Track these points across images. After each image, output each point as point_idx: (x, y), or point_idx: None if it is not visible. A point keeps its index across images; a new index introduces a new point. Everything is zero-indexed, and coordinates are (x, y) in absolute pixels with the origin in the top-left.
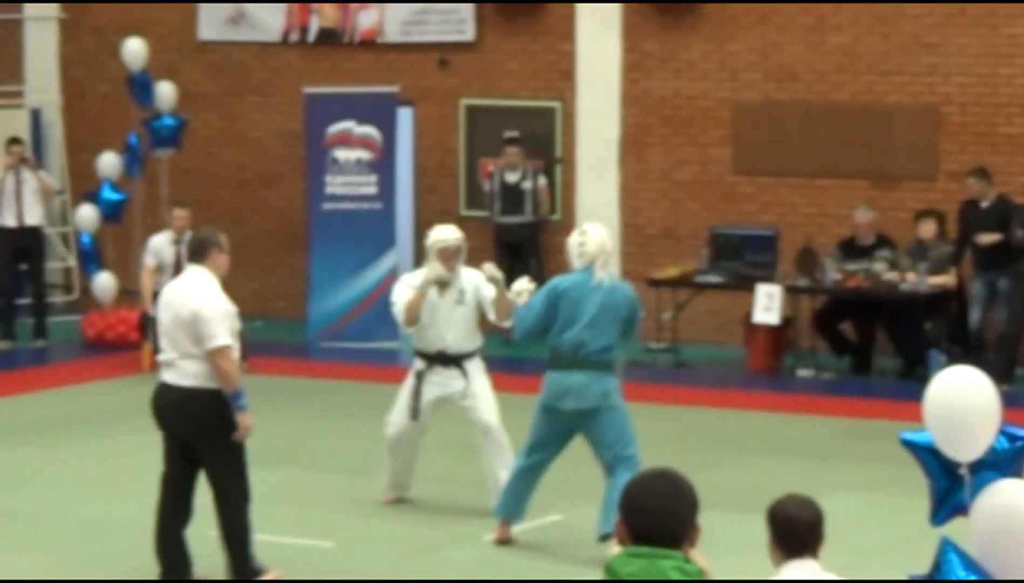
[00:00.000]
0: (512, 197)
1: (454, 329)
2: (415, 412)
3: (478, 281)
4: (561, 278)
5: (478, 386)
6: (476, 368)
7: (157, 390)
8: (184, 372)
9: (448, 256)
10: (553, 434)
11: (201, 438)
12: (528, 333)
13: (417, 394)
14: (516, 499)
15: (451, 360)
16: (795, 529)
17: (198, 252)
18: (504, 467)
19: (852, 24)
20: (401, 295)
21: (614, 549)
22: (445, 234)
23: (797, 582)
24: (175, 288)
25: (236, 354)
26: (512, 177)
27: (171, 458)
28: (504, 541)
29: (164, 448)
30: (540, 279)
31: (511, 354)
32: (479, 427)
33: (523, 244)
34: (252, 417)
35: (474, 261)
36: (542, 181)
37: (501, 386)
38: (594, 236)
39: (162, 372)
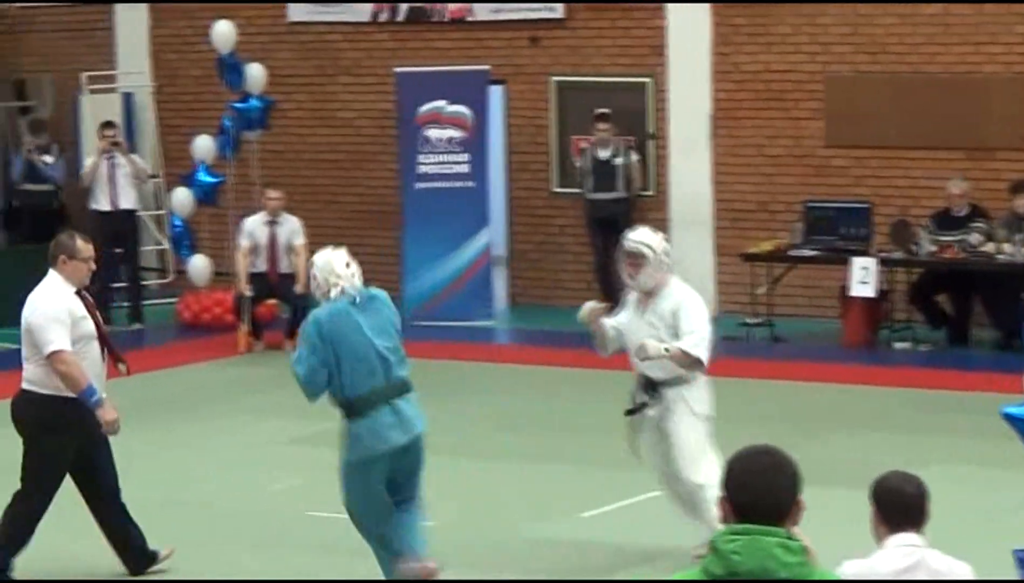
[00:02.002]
0: (604, 173)
1: None
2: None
3: None
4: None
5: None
6: None
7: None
8: (25, 375)
9: None
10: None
11: (23, 436)
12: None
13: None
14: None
15: None
16: (900, 502)
17: (49, 257)
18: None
19: None
20: None
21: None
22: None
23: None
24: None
25: (76, 357)
26: (604, 153)
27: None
28: None
29: None
30: None
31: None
32: None
33: (616, 220)
34: (112, 412)
35: (569, 237)
36: (634, 157)
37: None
38: (318, 266)
39: None
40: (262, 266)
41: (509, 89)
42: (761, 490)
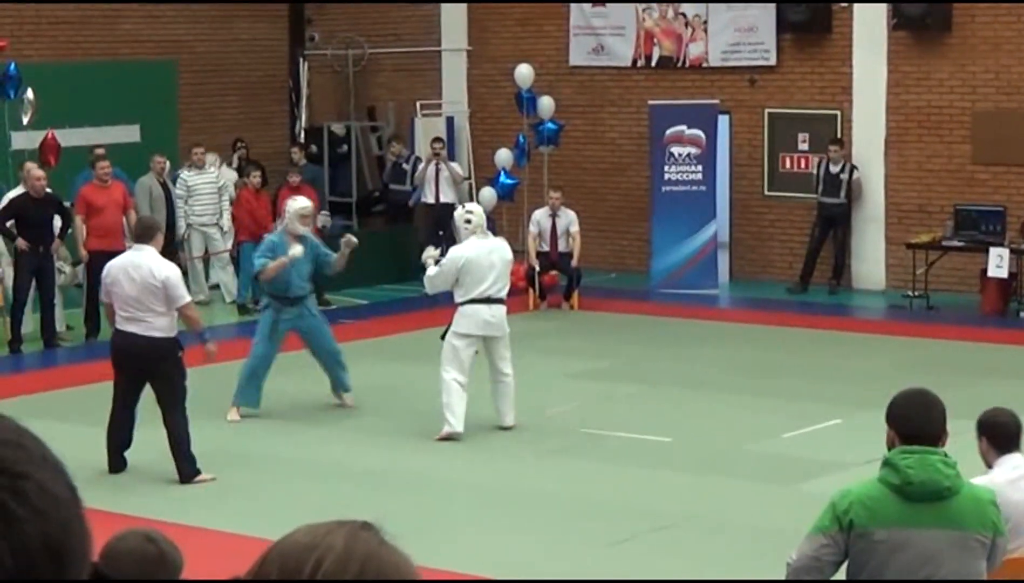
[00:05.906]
0: (832, 183)
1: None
2: None
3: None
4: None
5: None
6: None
7: (123, 338)
8: (151, 326)
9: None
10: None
11: (159, 373)
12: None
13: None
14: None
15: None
16: (1006, 432)
17: (146, 234)
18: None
19: None
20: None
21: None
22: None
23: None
24: (134, 264)
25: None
26: (834, 168)
27: (120, 388)
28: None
29: (117, 382)
30: (845, 243)
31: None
32: None
33: (834, 219)
34: (215, 346)
35: (776, 229)
36: (856, 174)
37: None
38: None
39: (125, 325)
40: (545, 247)
41: (733, 117)
42: (921, 422)
